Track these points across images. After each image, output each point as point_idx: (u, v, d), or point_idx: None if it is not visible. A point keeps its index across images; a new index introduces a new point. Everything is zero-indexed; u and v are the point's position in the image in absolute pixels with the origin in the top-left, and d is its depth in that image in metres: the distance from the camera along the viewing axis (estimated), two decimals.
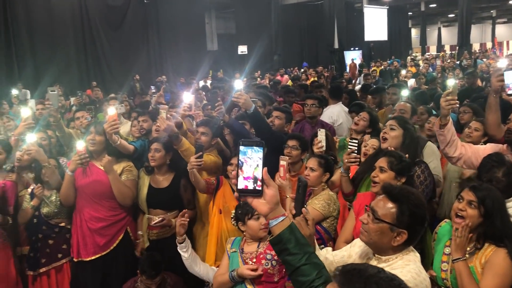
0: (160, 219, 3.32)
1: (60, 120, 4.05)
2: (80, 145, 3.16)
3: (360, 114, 4.04)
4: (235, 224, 2.73)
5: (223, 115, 3.66)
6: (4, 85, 11.43)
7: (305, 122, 4.81)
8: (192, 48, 18.94)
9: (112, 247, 3.30)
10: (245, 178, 1.36)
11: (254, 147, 1.37)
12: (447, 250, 2.23)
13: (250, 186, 1.36)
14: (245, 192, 1.38)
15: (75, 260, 3.30)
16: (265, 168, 1.36)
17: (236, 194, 1.35)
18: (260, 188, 1.37)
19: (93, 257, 3.25)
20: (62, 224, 3.42)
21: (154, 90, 8.41)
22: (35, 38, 12.79)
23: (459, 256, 2.11)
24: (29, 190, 3.48)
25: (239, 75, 15.31)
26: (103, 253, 3.27)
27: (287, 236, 1.40)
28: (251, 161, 1.36)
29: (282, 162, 2.90)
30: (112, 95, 8.02)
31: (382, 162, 2.51)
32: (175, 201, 3.42)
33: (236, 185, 1.37)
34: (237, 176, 1.36)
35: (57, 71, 12.44)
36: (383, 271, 1.14)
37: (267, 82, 12.07)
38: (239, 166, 1.37)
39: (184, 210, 2.85)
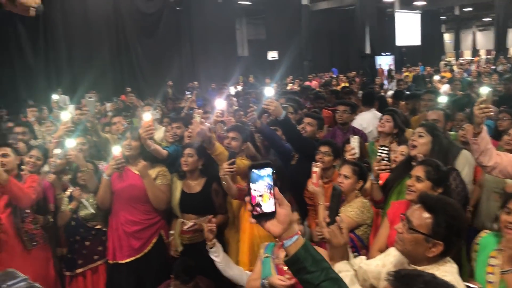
0: (192, 224, 3.37)
1: (97, 126, 4.17)
2: (117, 150, 3.25)
3: (382, 117, 4.00)
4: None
5: (255, 121, 3.68)
6: (43, 91, 11.82)
7: (336, 128, 4.78)
8: (223, 54, 19.12)
9: (146, 250, 3.37)
10: (258, 203, 1.32)
11: (264, 169, 1.33)
12: (493, 261, 2.16)
13: (264, 209, 1.33)
14: (259, 217, 1.33)
15: (110, 262, 3.38)
16: (276, 187, 1.34)
17: (252, 220, 1.31)
18: (274, 210, 1.33)
19: (128, 260, 3.32)
20: (98, 227, 3.53)
21: (189, 96, 8.53)
22: (72, 46, 13.18)
23: (511, 268, 2.05)
24: (67, 193, 3.60)
25: (270, 81, 15.36)
26: (137, 256, 3.34)
27: (303, 254, 1.35)
28: (263, 183, 1.33)
29: (314, 169, 2.90)
30: (147, 101, 8.23)
31: (418, 171, 2.46)
32: (207, 206, 3.45)
33: (251, 211, 1.33)
34: (250, 202, 1.32)
35: (93, 78, 12.75)
36: (437, 277, 1.13)
37: (297, 87, 12.06)
38: (251, 192, 1.32)
39: (210, 216, 2.88)
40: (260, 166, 1.33)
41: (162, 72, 15.43)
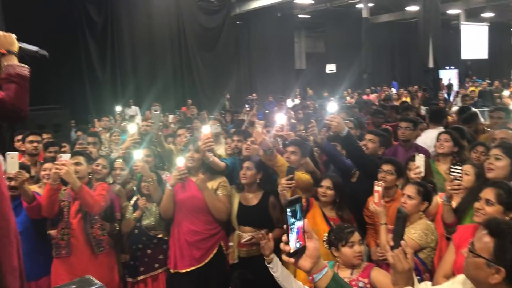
0: (249, 237, 3.39)
1: (161, 137, 4.33)
2: (180, 161, 3.34)
3: (439, 137, 3.86)
4: (327, 247, 2.71)
5: (316, 136, 3.67)
6: (108, 103, 12.45)
7: (398, 145, 4.65)
8: (280, 67, 19.26)
9: (206, 260, 3.42)
10: (291, 240, 1.30)
11: (297, 204, 1.31)
12: None
13: (297, 245, 1.31)
14: (294, 254, 1.31)
15: (172, 271, 3.46)
16: (306, 220, 1.32)
17: (289, 259, 1.29)
18: (304, 244, 1.31)
19: (188, 269, 3.38)
20: (160, 236, 3.62)
21: (248, 108, 8.64)
22: (137, 59, 13.80)
23: None
24: (132, 201, 3.75)
25: (327, 94, 15.25)
26: (198, 266, 3.39)
27: (334, 287, 1.36)
28: (295, 219, 1.30)
29: (377, 188, 2.84)
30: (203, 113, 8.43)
31: (488, 193, 2.34)
32: (265, 220, 3.47)
33: (284, 249, 1.30)
34: (288, 239, 1.29)
35: (156, 90, 13.28)
36: None
37: (350, 101, 11.86)
38: (288, 230, 1.29)
39: (261, 232, 2.87)
40: (292, 202, 1.31)
41: (220, 84, 15.80)
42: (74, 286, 1.34)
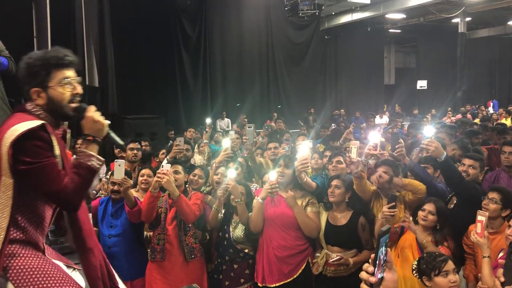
0: (338, 258, 3.33)
1: (253, 152, 4.42)
2: (273, 176, 3.37)
3: None
4: (417, 276, 2.60)
5: (404, 157, 3.53)
6: (198, 115, 12.99)
7: (500, 170, 4.32)
8: (368, 82, 18.89)
9: (295, 276, 3.39)
10: (377, 270, 1.26)
11: (387, 235, 1.28)
12: None
13: (379, 275, 1.26)
14: (373, 286, 1.26)
15: (259, 285, 3.46)
16: (389, 249, 1.27)
17: None
18: (383, 275, 1.27)
19: (277, 284, 3.38)
20: (246, 250, 3.61)
21: (333, 126, 8.53)
22: (227, 73, 14.26)
23: None
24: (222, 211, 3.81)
25: (417, 111, 14.62)
26: (287, 281, 3.38)
27: None
28: (384, 250, 1.28)
29: (480, 217, 2.67)
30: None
31: None
32: (353, 240, 3.40)
33: (372, 282, 1.26)
34: (374, 270, 1.26)
35: (243, 102, 13.63)
36: None
37: (451, 120, 11.23)
38: (377, 261, 1.26)
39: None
40: (386, 232, 1.28)
41: (305, 98, 15.81)
42: None
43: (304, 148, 3.46)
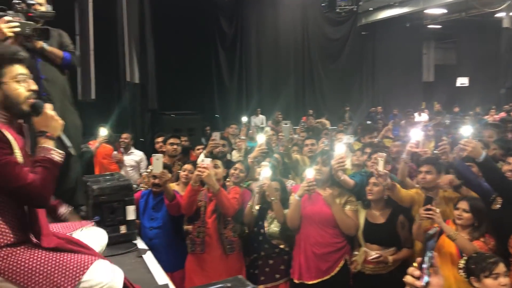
0: (376, 255, 3.31)
1: (290, 149, 4.44)
2: (310, 173, 3.38)
3: None
4: (464, 276, 2.55)
5: (447, 155, 3.45)
6: (234, 111, 13.09)
7: None
8: (406, 79, 18.46)
9: (333, 273, 3.40)
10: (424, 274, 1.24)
11: (434, 238, 1.26)
12: None
13: (425, 279, 1.24)
14: None
15: (296, 281, 3.48)
16: (435, 253, 1.25)
17: None
18: (429, 279, 1.24)
19: (314, 281, 3.39)
20: (282, 246, 3.63)
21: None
22: (262, 69, 14.31)
23: None
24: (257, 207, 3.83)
25: (458, 109, 14.22)
26: (324, 278, 3.39)
27: None
28: (431, 254, 1.26)
29: None
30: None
31: None
32: (392, 238, 3.37)
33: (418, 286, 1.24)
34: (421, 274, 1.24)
35: (277, 100, 13.64)
36: None
37: (494, 118, 10.84)
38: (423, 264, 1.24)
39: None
40: (434, 236, 1.28)
41: (341, 96, 15.65)
42: (229, 284, 1.44)
43: (341, 147, 3.44)
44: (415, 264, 1.28)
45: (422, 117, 12.53)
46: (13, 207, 1.83)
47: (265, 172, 3.54)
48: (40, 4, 3.32)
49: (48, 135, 1.90)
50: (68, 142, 2.04)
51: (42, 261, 1.78)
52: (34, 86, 1.95)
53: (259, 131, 8.65)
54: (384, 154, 3.33)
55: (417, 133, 3.64)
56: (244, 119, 6.76)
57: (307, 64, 15.09)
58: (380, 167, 3.19)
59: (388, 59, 17.90)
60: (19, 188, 1.74)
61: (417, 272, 1.26)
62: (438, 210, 2.95)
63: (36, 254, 1.80)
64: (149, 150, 6.79)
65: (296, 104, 14.74)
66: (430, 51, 22.34)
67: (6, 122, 1.85)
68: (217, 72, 13.54)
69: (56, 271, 1.76)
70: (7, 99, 1.86)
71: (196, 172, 3.44)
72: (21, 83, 1.90)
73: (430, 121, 11.89)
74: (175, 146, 4.88)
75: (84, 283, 1.77)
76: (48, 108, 1.94)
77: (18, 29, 2.88)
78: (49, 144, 1.89)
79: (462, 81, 18.96)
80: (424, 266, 1.25)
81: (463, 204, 3.02)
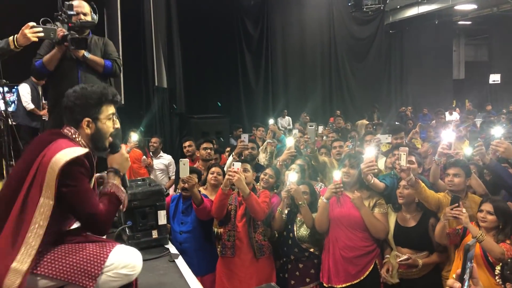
0: (406, 257, 3.26)
1: (316, 152, 4.41)
2: (337, 175, 3.35)
3: None
4: (500, 283, 2.49)
5: (484, 156, 3.37)
6: (260, 113, 13.09)
7: None
8: (436, 77, 18.08)
9: (362, 277, 3.36)
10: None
11: (472, 248, 1.22)
12: None
13: None
14: None
15: (325, 285, 3.46)
16: (474, 265, 1.22)
17: None
18: None
19: (343, 285, 3.36)
20: (312, 250, 3.62)
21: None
22: (288, 70, 14.11)
23: None
24: (286, 211, 3.84)
25: (491, 107, 13.84)
26: (353, 282, 3.36)
27: None
28: (470, 264, 1.23)
29: None
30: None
31: None
32: (424, 242, 3.31)
33: None
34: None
35: (304, 101, 13.55)
36: None
37: None
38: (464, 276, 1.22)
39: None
40: (473, 246, 1.24)
41: (369, 95, 15.43)
42: None
43: (370, 150, 3.40)
44: (454, 276, 1.25)
45: (453, 116, 12.26)
46: (65, 218, 2.04)
47: (292, 177, 3.54)
48: (85, 14, 3.47)
49: (118, 173, 2.12)
50: (127, 183, 2.22)
51: (70, 253, 1.95)
52: (118, 125, 2.19)
53: (286, 133, 8.66)
54: (407, 149, 3.24)
55: (449, 134, 3.57)
56: (271, 121, 6.77)
57: (334, 64, 14.93)
58: (403, 162, 3.12)
59: (417, 57, 17.57)
60: (90, 216, 1.94)
61: (457, 285, 1.23)
62: (464, 210, 2.90)
63: (63, 248, 1.97)
64: (177, 154, 6.89)
65: (323, 104, 14.58)
66: (460, 48, 21.83)
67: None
68: (244, 74, 13.49)
69: (84, 260, 1.93)
70: (98, 133, 2.10)
71: (226, 176, 3.47)
72: (111, 121, 2.15)
73: (461, 120, 11.63)
74: (208, 151, 4.92)
75: (109, 266, 1.95)
76: (123, 149, 2.19)
77: (41, 34, 3.03)
78: (117, 181, 2.10)
79: (495, 78, 18.45)
80: (465, 277, 1.22)
81: (487, 206, 2.94)
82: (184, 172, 3.63)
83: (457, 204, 2.88)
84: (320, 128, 7.16)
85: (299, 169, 4.05)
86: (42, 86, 7.19)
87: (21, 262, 1.82)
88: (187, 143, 5.61)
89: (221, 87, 12.43)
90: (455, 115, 12.45)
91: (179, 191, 4.11)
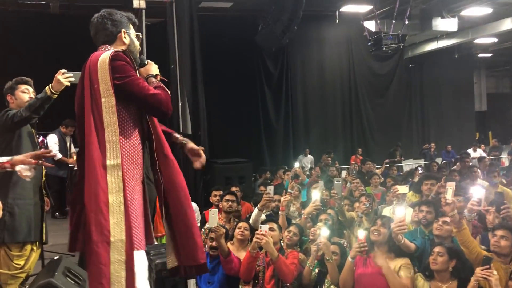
0: None
1: (343, 207, 4.38)
2: (362, 234, 3.33)
3: None
4: None
5: None
6: (281, 154, 13.03)
7: None
8: (457, 109, 17.86)
9: None
10: None
11: None
12: None
13: None
14: None
15: None
16: None
17: None
18: None
19: None
20: None
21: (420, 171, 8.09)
22: (308, 108, 14.03)
23: None
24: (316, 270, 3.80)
25: None
26: None
27: None
28: None
29: None
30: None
31: None
32: None
33: None
34: None
35: (325, 140, 13.47)
36: None
37: None
38: None
39: None
40: None
41: (391, 132, 15.31)
42: None
43: (401, 209, 3.37)
44: None
45: (477, 153, 12.04)
46: (134, 127, 2.36)
47: (323, 232, 3.52)
48: None
49: (157, 78, 2.42)
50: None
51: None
52: (138, 45, 2.51)
53: (308, 172, 8.60)
54: (454, 183, 3.26)
55: (478, 190, 3.50)
56: (296, 164, 6.75)
57: (354, 101, 14.86)
58: (449, 195, 3.13)
59: (437, 90, 17.47)
60: (149, 96, 2.21)
61: None
62: (495, 272, 2.82)
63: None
64: (201, 201, 6.92)
65: (344, 142, 14.43)
66: (481, 80, 21.71)
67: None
68: (264, 113, 13.35)
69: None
70: (132, 44, 2.44)
71: (254, 239, 3.48)
72: (137, 39, 2.49)
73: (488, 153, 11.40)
74: (230, 203, 4.94)
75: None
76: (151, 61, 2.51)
77: (73, 79, 3.31)
78: (157, 80, 2.41)
79: None
80: None
81: None
82: (213, 222, 3.65)
83: (488, 266, 2.81)
84: (344, 173, 7.08)
85: (329, 223, 4.04)
86: (70, 136, 7.41)
87: (112, 158, 2.13)
88: (217, 192, 5.56)
89: (241, 129, 12.38)
90: (479, 152, 12.22)
91: (207, 249, 4.12)
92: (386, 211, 4.74)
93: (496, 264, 3.09)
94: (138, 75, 2.35)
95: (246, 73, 12.84)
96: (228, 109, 11.98)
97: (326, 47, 14.38)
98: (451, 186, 3.19)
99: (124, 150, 2.19)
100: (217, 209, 3.97)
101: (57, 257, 3.23)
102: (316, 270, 3.73)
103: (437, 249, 3.24)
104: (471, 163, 8.14)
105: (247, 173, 7.56)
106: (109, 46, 2.34)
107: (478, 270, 2.85)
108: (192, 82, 7.82)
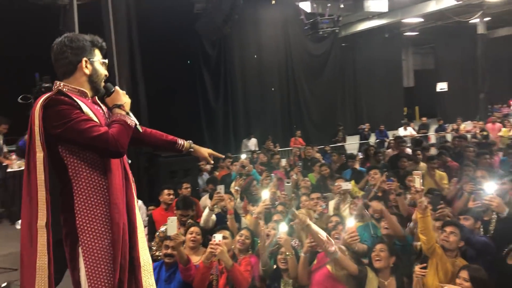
0: None
1: (293, 208, 4.45)
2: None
3: None
4: None
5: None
6: (221, 135, 13.07)
7: None
8: (387, 86, 18.72)
9: None
10: None
11: None
12: None
13: None
14: None
15: None
16: None
17: None
18: None
19: None
20: None
21: (360, 155, 8.38)
22: (247, 90, 14.12)
23: None
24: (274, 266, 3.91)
25: (442, 122, 14.28)
26: None
27: None
28: None
29: None
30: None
31: None
32: None
33: None
34: None
35: (265, 124, 13.60)
36: None
37: (478, 131, 11.05)
38: None
39: None
40: None
41: (328, 113, 15.75)
42: None
43: (351, 221, 3.52)
44: None
45: (407, 131, 12.72)
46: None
47: (282, 227, 3.58)
48: None
49: (122, 108, 2.15)
50: (135, 120, 2.21)
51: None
52: (107, 73, 2.26)
53: (249, 156, 8.66)
54: (420, 172, 3.42)
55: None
56: (243, 156, 6.70)
57: (291, 82, 15.09)
58: (417, 184, 3.30)
59: (368, 68, 18.15)
60: (96, 138, 1.98)
61: None
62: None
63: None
64: (144, 196, 6.78)
65: (282, 123, 14.69)
66: (408, 57, 22.79)
67: (88, 95, 2.18)
68: (203, 94, 13.29)
69: None
70: (95, 74, 2.17)
71: (208, 249, 3.50)
72: (102, 66, 2.23)
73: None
74: (171, 196, 5.11)
75: None
76: (117, 87, 2.24)
77: None
78: (123, 113, 2.14)
79: (442, 86, 19.39)
80: None
81: (464, 273, 3.00)
82: (172, 230, 3.61)
83: (425, 264, 3.07)
84: (284, 161, 7.10)
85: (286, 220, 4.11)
86: (2, 135, 6.94)
87: (41, 218, 1.99)
88: (168, 191, 5.32)
89: (181, 116, 12.13)
90: (410, 130, 12.91)
91: (161, 257, 4.11)
92: (330, 205, 4.96)
93: (444, 257, 3.31)
94: (101, 108, 2.20)
95: (186, 58, 12.58)
96: (168, 97, 11.73)
97: (263, 28, 14.36)
98: (418, 175, 3.37)
99: (79, 197, 2.06)
100: (175, 217, 3.91)
101: (4, 284, 3.08)
102: (274, 267, 3.77)
103: (379, 246, 3.42)
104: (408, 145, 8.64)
105: (192, 165, 7.45)
106: (58, 83, 2.13)
107: (416, 268, 3.08)
108: (131, 68, 7.55)
